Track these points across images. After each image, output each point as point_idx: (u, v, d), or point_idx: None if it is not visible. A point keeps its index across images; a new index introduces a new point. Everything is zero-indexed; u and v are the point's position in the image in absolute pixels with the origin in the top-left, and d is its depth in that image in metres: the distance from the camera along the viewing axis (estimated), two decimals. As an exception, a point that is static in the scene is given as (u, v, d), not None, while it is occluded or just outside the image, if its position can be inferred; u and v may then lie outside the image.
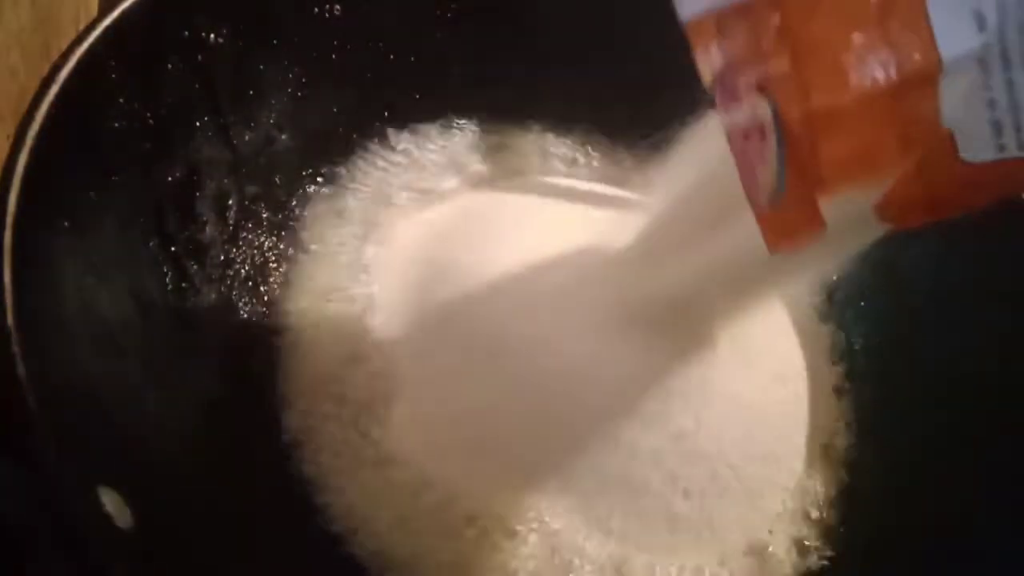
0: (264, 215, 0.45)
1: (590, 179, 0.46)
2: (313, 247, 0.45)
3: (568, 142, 0.48)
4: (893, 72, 0.23)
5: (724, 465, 0.40)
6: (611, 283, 0.39)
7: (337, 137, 0.48)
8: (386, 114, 0.49)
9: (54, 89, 0.30)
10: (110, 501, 0.26)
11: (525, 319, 0.40)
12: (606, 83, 0.46)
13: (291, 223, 0.45)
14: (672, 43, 0.26)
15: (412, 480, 0.38)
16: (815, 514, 0.42)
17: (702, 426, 0.39)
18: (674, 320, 0.39)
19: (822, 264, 0.39)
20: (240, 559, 0.33)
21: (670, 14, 0.25)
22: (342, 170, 0.48)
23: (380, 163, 0.49)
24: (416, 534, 0.37)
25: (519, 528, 0.37)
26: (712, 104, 0.26)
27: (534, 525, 0.37)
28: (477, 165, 0.48)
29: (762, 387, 0.42)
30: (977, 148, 0.23)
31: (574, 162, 0.48)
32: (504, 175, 0.47)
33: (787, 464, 0.42)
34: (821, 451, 0.43)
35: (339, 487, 0.38)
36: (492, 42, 0.48)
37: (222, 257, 0.42)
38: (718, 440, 0.40)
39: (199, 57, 0.39)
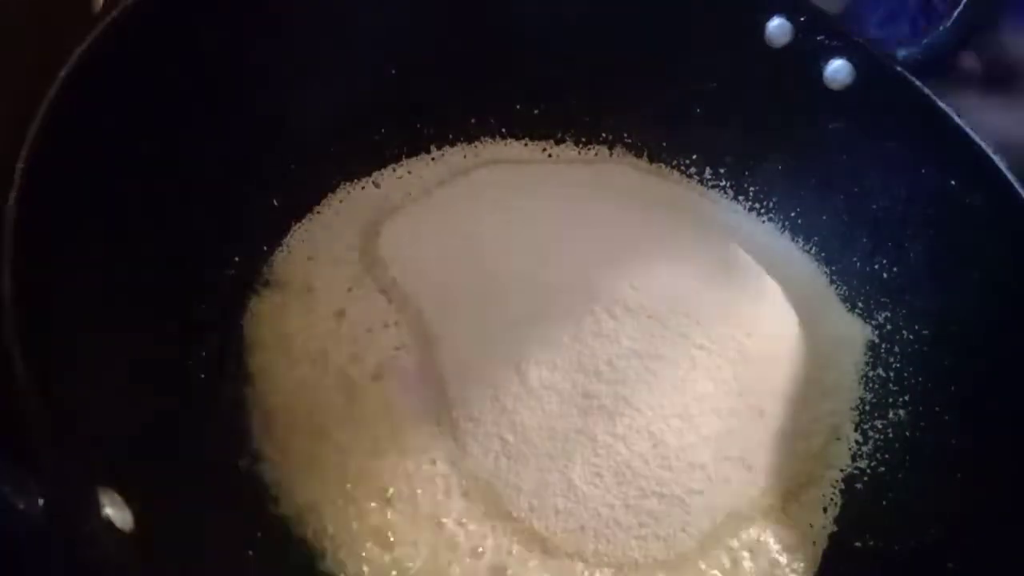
0: (265, 214, 0.45)
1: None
2: (313, 245, 0.45)
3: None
4: None
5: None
6: None
7: (337, 136, 0.48)
8: (385, 113, 0.49)
9: (54, 89, 0.30)
10: (110, 501, 0.26)
11: None
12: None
13: (291, 222, 0.46)
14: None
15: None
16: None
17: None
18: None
19: None
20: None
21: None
22: (341, 169, 0.48)
23: (378, 161, 0.49)
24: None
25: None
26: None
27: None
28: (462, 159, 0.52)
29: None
30: None
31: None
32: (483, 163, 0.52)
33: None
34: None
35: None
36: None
37: (223, 254, 0.42)
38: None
39: (199, 57, 0.39)
